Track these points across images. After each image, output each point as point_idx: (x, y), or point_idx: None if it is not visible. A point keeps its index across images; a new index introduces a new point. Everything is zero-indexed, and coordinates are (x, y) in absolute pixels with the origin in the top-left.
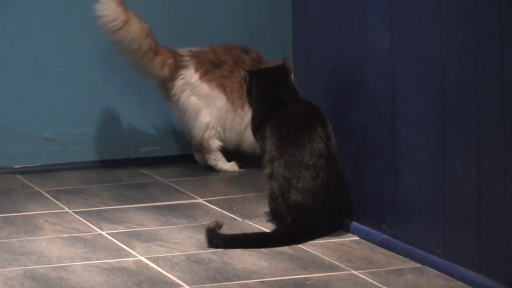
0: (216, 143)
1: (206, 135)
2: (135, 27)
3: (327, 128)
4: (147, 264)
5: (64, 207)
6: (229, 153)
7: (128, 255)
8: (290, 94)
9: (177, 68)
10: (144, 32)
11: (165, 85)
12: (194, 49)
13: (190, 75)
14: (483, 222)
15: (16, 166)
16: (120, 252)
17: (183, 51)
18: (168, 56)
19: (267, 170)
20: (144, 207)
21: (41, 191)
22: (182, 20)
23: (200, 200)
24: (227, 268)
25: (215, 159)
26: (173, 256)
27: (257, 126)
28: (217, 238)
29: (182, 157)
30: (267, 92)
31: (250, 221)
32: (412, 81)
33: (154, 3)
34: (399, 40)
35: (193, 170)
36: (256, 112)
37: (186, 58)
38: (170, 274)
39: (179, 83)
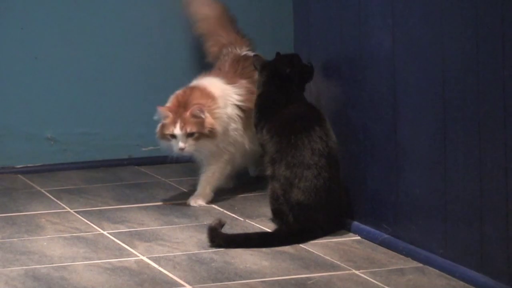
0: None
1: None
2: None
3: (326, 126)
4: (148, 264)
5: (66, 207)
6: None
7: (130, 254)
8: (292, 94)
9: (216, 59)
10: (203, 16)
11: None
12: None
13: None
14: (484, 222)
15: (18, 166)
16: (121, 252)
17: (246, 53)
18: (216, 43)
19: (268, 171)
20: (146, 206)
21: (42, 190)
22: (182, 19)
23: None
24: (228, 268)
25: None
26: (174, 256)
27: (256, 121)
28: (219, 238)
29: (183, 157)
30: (271, 88)
31: (252, 221)
32: (413, 81)
33: (155, 2)
34: (401, 39)
35: (194, 170)
36: (257, 107)
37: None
38: (172, 273)
39: None
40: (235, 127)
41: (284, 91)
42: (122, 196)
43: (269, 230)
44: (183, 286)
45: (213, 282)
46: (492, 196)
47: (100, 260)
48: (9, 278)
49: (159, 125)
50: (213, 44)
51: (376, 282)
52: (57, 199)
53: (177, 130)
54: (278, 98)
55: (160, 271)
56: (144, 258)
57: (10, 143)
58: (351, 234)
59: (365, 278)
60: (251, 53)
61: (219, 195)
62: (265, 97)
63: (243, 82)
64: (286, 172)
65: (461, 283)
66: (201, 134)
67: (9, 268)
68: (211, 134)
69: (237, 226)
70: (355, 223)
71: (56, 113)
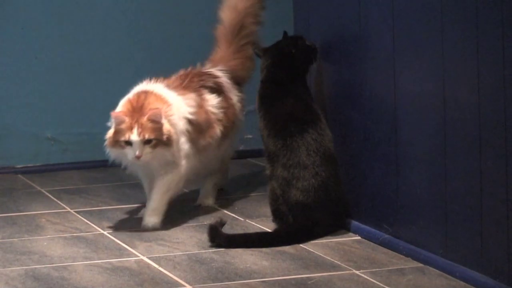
0: None
1: None
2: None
3: (320, 126)
4: (148, 264)
5: (66, 207)
6: None
7: (130, 254)
8: (295, 79)
9: None
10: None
11: None
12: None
13: None
14: (484, 222)
15: (18, 166)
16: (121, 252)
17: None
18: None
19: (267, 171)
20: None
21: (42, 190)
22: (181, 18)
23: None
24: (228, 268)
25: None
26: (174, 256)
27: (258, 108)
28: (219, 237)
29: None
30: (274, 72)
31: (252, 221)
32: (413, 81)
33: (155, 2)
34: (401, 40)
35: None
36: (259, 94)
37: None
38: (172, 273)
39: None
40: (184, 141)
41: (288, 74)
42: (122, 196)
43: (269, 230)
44: (183, 286)
45: (213, 282)
46: (492, 196)
47: (100, 260)
48: (9, 278)
49: (111, 131)
50: (211, 57)
51: (376, 282)
52: (57, 199)
53: (134, 136)
54: (280, 85)
55: (160, 271)
56: (144, 258)
57: (10, 143)
58: (351, 234)
59: (365, 278)
60: (214, 71)
61: (220, 195)
62: (267, 84)
63: (193, 95)
64: (283, 173)
65: (461, 283)
66: (159, 141)
67: (9, 268)
68: (168, 142)
69: (237, 226)
70: (355, 223)
71: (56, 113)
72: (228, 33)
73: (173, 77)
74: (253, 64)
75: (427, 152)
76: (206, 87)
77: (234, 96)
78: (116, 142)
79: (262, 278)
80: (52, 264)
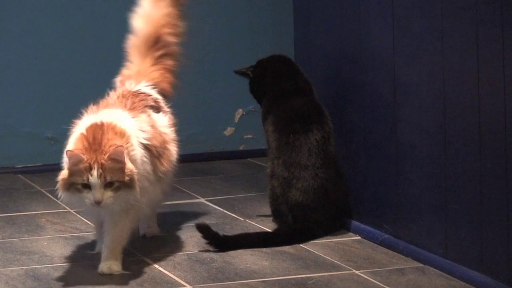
0: None
1: None
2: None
3: (325, 128)
4: (148, 264)
5: (66, 207)
6: None
7: (130, 255)
8: (301, 84)
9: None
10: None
11: None
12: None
13: None
14: (484, 222)
15: (18, 166)
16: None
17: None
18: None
19: (268, 169)
20: None
21: (42, 190)
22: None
23: (202, 200)
24: (228, 268)
25: None
26: (174, 256)
27: (264, 116)
28: (218, 239)
29: (183, 156)
30: (279, 81)
31: (252, 221)
32: (413, 81)
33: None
34: (401, 40)
35: (195, 170)
36: (265, 102)
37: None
38: (172, 273)
39: None
40: (144, 174)
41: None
42: None
43: (269, 230)
44: (183, 286)
45: (213, 282)
46: (492, 196)
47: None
48: (9, 278)
49: (64, 172)
50: (123, 71)
51: (376, 282)
52: (57, 199)
53: (93, 179)
54: (294, 84)
55: (160, 271)
56: (144, 258)
57: (10, 143)
58: (351, 234)
59: (365, 278)
60: (147, 89)
61: (220, 195)
62: (273, 89)
63: (144, 116)
64: (284, 173)
65: (462, 283)
66: (121, 183)
67: (9, 268)
68: (130, 183)
69: (237, 226)
70: (355, 223)
71: (56, 113)
72: (142, 45)
73: (112, 101)
74: (173, 77)
75: (427, 152)
76: (150, 107)
77: (168, 112)
78: (71, 185)
79: (262, 278)
80: (52, 264)
